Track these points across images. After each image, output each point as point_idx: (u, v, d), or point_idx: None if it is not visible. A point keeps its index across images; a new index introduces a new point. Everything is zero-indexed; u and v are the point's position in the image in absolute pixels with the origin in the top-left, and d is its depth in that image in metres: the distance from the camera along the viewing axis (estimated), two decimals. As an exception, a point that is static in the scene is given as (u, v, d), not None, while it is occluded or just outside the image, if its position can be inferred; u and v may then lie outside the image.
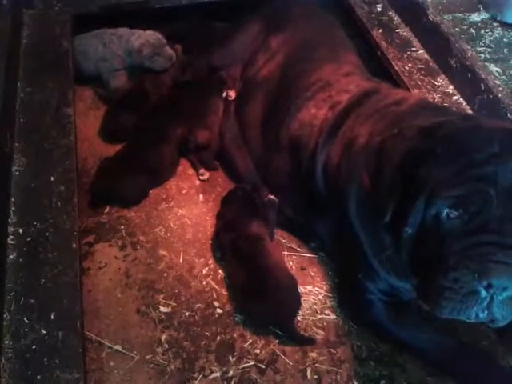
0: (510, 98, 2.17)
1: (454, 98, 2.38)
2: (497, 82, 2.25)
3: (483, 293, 1.37)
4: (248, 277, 1.96)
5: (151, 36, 2.75)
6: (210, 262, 2.15)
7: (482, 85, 2.24)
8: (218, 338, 1.94)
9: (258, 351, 1.91)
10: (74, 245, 1.89)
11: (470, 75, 2.32)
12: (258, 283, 1.93)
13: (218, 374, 1.84)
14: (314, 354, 1.91)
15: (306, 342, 1.92)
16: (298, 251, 2.22)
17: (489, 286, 1.36)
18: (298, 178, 2.13)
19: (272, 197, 2.22)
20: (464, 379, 1.83)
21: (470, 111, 2.33)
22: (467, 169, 1.40)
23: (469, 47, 2.41)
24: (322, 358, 1.90)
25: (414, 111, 1.82)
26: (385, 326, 1.88)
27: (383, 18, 2.84)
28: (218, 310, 2.01)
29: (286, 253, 2.21)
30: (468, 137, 1.46)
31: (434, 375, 1.86)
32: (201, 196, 2.38)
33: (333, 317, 2.01)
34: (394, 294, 1.84)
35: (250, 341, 1.93)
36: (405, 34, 2.74)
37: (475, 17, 3.63)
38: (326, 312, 2.03)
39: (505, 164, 1.39)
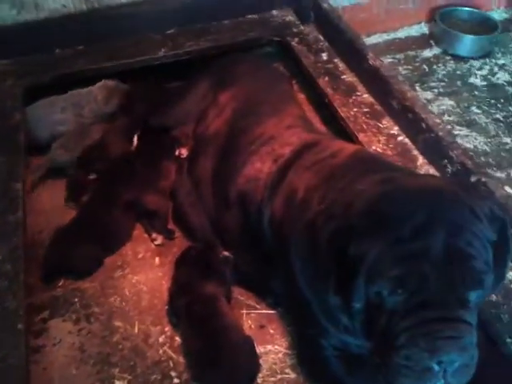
0: (449, 135, 2.19)
1: (399, 138, 2.40)
2: (437, 120, 2.26)
3: (436, 367, 1.37)
4: (202, 341, 1.91)
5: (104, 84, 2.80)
6: (166, 329, 2.11)
7: (423, 124, 2.26)
8: (177, 409, 1.88)
9: (216, 420, 1.85)
10: (20, 325, 1.85)
11: (411, 115, 2.34)
12: (212, 348, 1.89)
13: None
14: (275, 418, 1.86)
15: None
16: (256, 308, 2.18)
17: (440, 362, 1.36)
18: (248, 233, 2.11)
19: (227, 253, 2.20)
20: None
21: (415, 151, 2.34)
22: (397, 247, 1.38)
23: (408, 88, 2.44)
24: (283, 422, 1.84)
25: (347, 164, 1.83)
26: (343, 380, 1.83)
27: (329, 65, 2.89)
28: (176, 380, 1.95)
29: (244, 311, 2.17)
30: (389, 209, 1.43)
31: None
32: (157, 259, 2.36)
33: (293, 376, 1.96)
34: (347, 348, 1.80)
35: (209, 408, 1.88)
36: (350, 79, 2.78)
37: (427, 52, 3.72)
38: (287, 371, 1.97)
39: (434, 234, 1.36)
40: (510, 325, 1.78)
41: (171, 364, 2.00)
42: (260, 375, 1.94)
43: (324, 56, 2.95)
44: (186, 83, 2.81)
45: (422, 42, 3.81)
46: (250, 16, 3.23)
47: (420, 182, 1.57)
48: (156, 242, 2.40)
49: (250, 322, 2.13)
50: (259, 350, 2.02)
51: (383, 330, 1.44)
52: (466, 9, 3.80)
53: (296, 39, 3.08)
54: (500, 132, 3.07)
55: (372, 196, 1.50)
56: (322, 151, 1.97)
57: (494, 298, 1.85)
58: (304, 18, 3.18)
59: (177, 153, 2.63)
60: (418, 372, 1.38)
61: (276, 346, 2.05)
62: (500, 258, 1.49)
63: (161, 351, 2.04)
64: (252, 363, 1.92)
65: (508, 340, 1.75)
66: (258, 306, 2.19)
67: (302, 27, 3.16)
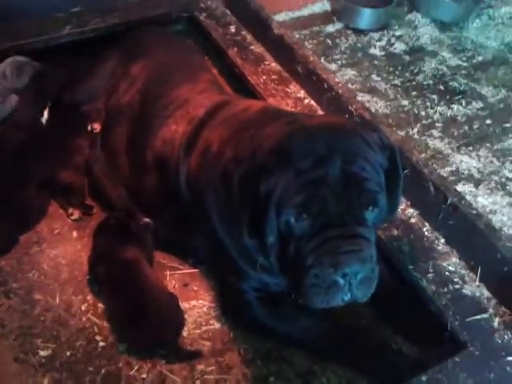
0: (349, 92, 2.35)
1: (306, 101, 2.54)
2: (336, 80, 2.41)
3: (341, 281, 1.51)
4: (125, 303, 1.94)
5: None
6: (88, 297, 2.11)
7: (325, 84, 2.40)
8: (103, 370, 1.89)
9: (144, 375, 1.88)
10: None
11: (314, 78, 2.48)
12: (135, 308, 1.91)
13: (104, 409, 1.80)
14: (201, 367, 1.92)
15: (193, 355, 1.92)
16: (179, 269, 2.23)
17: (344, 275, 1.50)
18: (166, 195, 2.15)
19: (146, 219, 2.23)
20: (347, 362, 1.91)
21: (321, 111, 2.48)
22: (300, 177, 1.51)
23: (310, 53, 2.58)
24: (209, 369, 1.91)
25: (256, 117, 1.94)
26: (265, 322, 1.94)
27: (237, 37, 2.97)
28: (101, 344, 1.97)
29: (168, 272, 2.21)
30: (292, 145, 1.56)
31: (320, 363, 1.93)
32: (74, 233, 2.34)
33: (218, 326, 2.04)
34: (266, 288, 1.90)
35: (137, 367, 1.90)
36: (258, 49, 2.88)
37: (330, 28, 3.90)
38: (211, 322, 2.05)
39: (332, 163, 1.51)
40: (410, 255, 1.96)
41: (96, 329, 2.01)
42: (186, 328, 2.00)
43: (232, 29, 3.03)
44: (96, 59, 2.78)
45: (325, 18, 3.99)
46: (156, -7, 3.24)
47: (320, 119, 1.72)
48: (73, 217, 2.37)
49: (173, 281, 2.18)
50: (184, 306, 2.07)
51: (294, 258, 1.56)
52: (364, -15, 4.02)
53: (204, 14, 3.13)
54: (398, 96, 3.30)
55: (278, 136, 1.61)
56: (232, 108, 2.06)
57: (395, 232, 2.02)
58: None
59: (89, 128, 2.61)
60: (326, 288, 1.51)
61: (200, 301, 2.11)
62: (393, 182, 1.65)
63: (84, 319, 2.04)
64: (176, 318, 1.97)
65: (410, 267, 1.92)
66: (180, 267, 2.24)
67: (209, 2, 3.21)
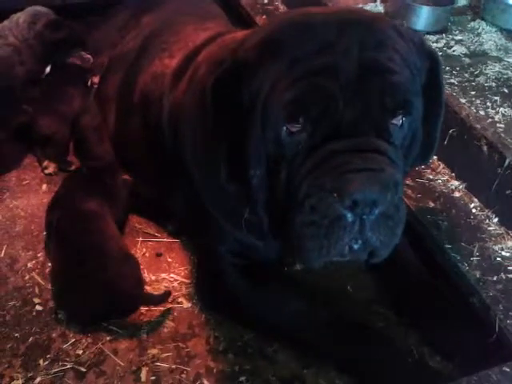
0: None
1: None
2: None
3: (349, 216, 1.00)
4: (70, 259, 1.54)
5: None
6: (39, 254, 1.73)
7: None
8: (31, 339, 1.48)
9: (80, 352, 1.45)
10: None
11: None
12: (81, 266, 1.50)
13: (19, 382, 1.36)
14: (154, 351, 1.46)
15: (163, 297, 1.52)
16: (155, 237, 1.81)
17: (354, 205, 0.98)
18: (149, 142, 1.77)
19: (125, 176, 1.86)
20: (349, 368, 1.38)
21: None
22: (295, 67, 1.05)
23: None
24: (164, 355, 1.45)
25: (249, 34, 1.50)
26: (244, 300, 1.45)
27: (269, 7, 2.65)
28: (38, 308, 1.56)
29: (140, 239, 1.80)
30: (286, 32, 1.12)
31: (312, 367, 1.42)
32: (44, 186, 1.99)
33: (187, 305, 1.58)
34: (249, 253, 1.43)
35: (73, 340, 1.48)
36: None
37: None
38: (180, 300, 1.59)
39: (346, 52, 1.05)
40: (448, 232, 1.44)
41: (37, 290, 1.61)
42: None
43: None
44: (108, 13, 2.52)
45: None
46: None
47: (334, 8, 1.27)
48: (46, 171, 2.03)
49: (144, 249, 1.76)
50: (150, 277, 1.65)
51: (285, 194, 1.09)
52: (422, -14, 3.65)
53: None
54: (454, 94, 2.82)
55: (266, 30, 1.19)
56: (233, 34, 1.67)
57: (431, 204, 1.52)
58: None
59: (89, 83, 2.32)
60: (326, 227, 1.01)
61: (172, 275, 1.67)
62: (431, 108, 1.18)
63: (27, 277, 1.65)
64: (131, 285, 1.51)
65: (447, 246, 1.39)
66: (157, 235, 1.82)
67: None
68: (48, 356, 1.43)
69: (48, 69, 2.39)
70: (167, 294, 1.52)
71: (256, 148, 1.13)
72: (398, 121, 1.06)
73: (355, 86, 1.02)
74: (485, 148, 1.46)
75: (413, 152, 1.17)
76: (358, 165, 0.98)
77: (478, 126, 1.51)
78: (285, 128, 1.06)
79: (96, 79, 2.31)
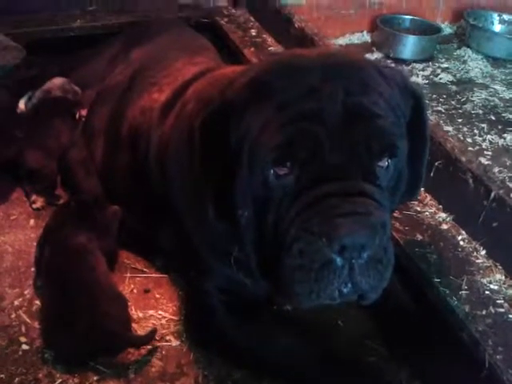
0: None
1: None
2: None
3: (338, 260, 1.01)
4: (59, 297, 1.52)
5: None
6: (26, 291, 1.71)
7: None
8: (17, 379, 1.45)
9: (66, 392, 1.42)
10: None
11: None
12: (70, 305, 1.48)
13: (5, 426, 1.33)
14: (143, 391, 1.43)
15: (149, 338, 1.49)
16: (144, 272, 1.80)
17: (342, 249, 1.00)
18: (137, 177, 1.77)
19: (115, 206, 1.85)
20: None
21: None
22: (283, 112, 1.07)
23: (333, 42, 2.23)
24: (151, 395, 1.41)
25: (240, 72, 1.54)
26: (232, 336, 1.44)
27: (257, 39, 2.69)
28: (24, 347, 1.54)
29: (128, 275, 1.79)
30: (273, 74, 1.14)
31: (303, 405, 1.40)
32: (31, 221, 1.98)
33: (175, 343, 1.56)
34: (237, 290, 1.42)
35: (59, 380, 1.46)
36: (276, 49, 2.58)
37: (369, 56, 3.57)
38: (168, 338, 1.57)
39: (331, 96, 1.07)
40: (437, 266, 1.44)
41: (23, 329, 1.59)
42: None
43: (253, 32, 2.76)
44: (98, 47, 2.55)
45: (364, 48, 3.68)
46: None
47: (318, 51, 1.30)
48: (34, 206, 2.02)
49: (132, 286, 1.75)
50: (137, 314, 1.64)
51: (274, 236, 1.09)
52: (408, 16, 3.73)
53: (225, 19, 2.89)
54: (441, 122, 2.85)
55: (254, 70, 1.21)
56: (222, 70, 1.69)
57: (419, 237, 1.52)
58: (236, 2, 3.01)
59: (77, 116, 2.33)
60: (316, 272, 1.01)
61: (160, 312, 1.66)
62: (416, 145, 1.19)
63: (13, 315, 1.63)
64: (119, 325, 1.49)
65: (436, 280, 1.39)
66: (145, 270, 1.81)
67: (233, 10, 2.98)
68: (34, 398, 1.41)
69: (21, 105, 2.40)
70: (153, 332, 1.50)
71: (243, 189, 1.14)
72: (384, 163, 1.08)
73: (341, 130, 1.04)
74: (470, 181, 1.48)
75: (399, 191, 1.18)
76: (345, 209, 1.00)
77: (464, 159, 1.52)
78: (272, 171, 1.07)
79: (84, 112, 2.32)
